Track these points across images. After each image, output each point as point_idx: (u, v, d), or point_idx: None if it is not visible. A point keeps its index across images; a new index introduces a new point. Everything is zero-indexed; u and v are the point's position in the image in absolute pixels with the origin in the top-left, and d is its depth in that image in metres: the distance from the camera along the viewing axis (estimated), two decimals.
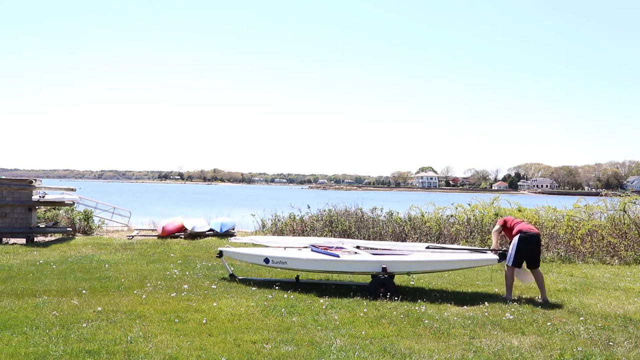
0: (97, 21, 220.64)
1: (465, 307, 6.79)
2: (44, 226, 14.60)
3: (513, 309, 6.61)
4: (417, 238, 13.61)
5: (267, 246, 9.03)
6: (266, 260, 8.08)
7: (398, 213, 15.10)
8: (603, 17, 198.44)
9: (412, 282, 8.53)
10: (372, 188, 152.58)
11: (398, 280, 8.05)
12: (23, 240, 13.42)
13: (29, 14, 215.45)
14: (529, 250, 7.29)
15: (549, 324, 5.99)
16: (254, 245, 9.82)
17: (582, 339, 5.43)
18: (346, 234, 14.06)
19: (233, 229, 16.08)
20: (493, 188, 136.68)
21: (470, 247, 9.34)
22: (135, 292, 7.38)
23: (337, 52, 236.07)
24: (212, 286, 7.86)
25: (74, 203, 15.71)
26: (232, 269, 8.95)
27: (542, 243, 11.24)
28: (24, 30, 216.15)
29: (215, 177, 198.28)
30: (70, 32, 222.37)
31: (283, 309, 6.47)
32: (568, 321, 6.14)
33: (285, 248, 8.61)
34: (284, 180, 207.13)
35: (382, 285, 7.23)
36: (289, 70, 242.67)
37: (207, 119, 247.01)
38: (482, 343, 5.26)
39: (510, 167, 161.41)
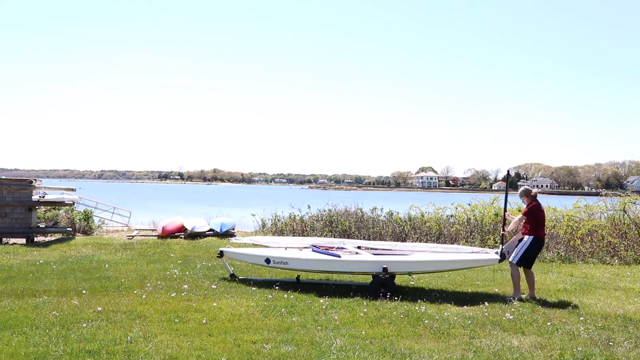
0: (97, 21, 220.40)
1: (465, 307, 6.79)
2: (44, 226, 14.61)
3: (513, 309, 6.62)
4: (417, 238, 13.62)
5: (268, 246, 9.04)
6: (267, 260, 8.08)
7: (398, 213, 15.12)
8: (603, 17, 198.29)
9: (412, 282, 8.53)
10: (372, 188, 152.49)
11: (398, 280, 8.05)
12: (23, 240, 13.42)
13: (29, 14, 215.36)
14: (536, 254, 7.34)
15: (549, 324, 6.00)
16: (255, 245, 9.82)
17: (582, 339, 5.43)
18: (346, 234, 14.06)
19: (233, 229, 16.08)
20: (493, 188, 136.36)
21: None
22: (135, 292, 7.38)
23: (337, 52, 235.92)
24: (212, 286, 7.87)
25: (74, 203, 15.72)
26: (232, 269, 8.96)
27: None
28: (24, 30, 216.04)
29: (215, 177, 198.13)
30: (70, 32, 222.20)
31: (283, 309, 6.48)
32: (568, 321, 6.14)
33: (286, 248, 8.62)
34: (284, 180, 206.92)
35: (382, 286, 7.26)
36: (289, 70, 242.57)
37: (207, 119, 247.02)
38: (482, 343, 5.26)
39: (510, 167, 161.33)
